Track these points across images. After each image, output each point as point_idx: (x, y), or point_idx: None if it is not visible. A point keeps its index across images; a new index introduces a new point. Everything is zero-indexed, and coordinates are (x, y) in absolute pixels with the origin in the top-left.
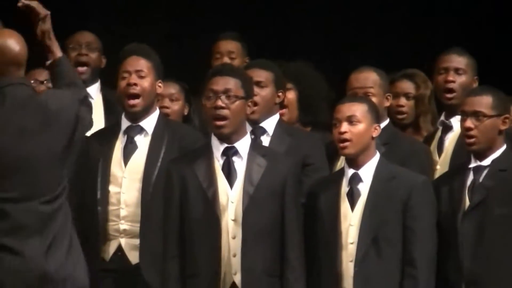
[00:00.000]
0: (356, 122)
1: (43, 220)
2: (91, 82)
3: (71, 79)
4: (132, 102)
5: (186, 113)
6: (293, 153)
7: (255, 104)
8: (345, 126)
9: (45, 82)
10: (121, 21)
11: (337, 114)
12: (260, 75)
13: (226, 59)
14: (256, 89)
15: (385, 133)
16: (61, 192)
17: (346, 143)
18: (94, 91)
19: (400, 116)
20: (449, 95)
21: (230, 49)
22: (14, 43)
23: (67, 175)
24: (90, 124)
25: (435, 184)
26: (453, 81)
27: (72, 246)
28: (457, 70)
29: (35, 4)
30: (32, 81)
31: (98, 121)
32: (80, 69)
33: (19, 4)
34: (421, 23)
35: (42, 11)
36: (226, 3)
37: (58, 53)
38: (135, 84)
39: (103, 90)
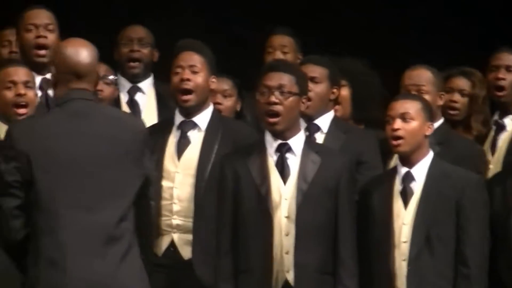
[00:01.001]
0: (410, 120)
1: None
2: (143, 77)
3: None
4: (185, 97)
5: (238, 109)
6: (347, 151)
7: (309, 99)
8: (398, 123)
9: (103, 77)
10: (171, 15)
11: (390, 111)
12: (315, 70)
13: (279, 54)
14: (311, 85)
15: (439, 132)
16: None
17: (400, 141)
18: (147, 85)
19: (452, 112)
20: (499, 93)
21: (283, 44)
22: (76, 53)
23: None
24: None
25: (488, 183)
26: (504, 79)
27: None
28: (508, 68)
29: None
30: None
31: (151, 116)
32: (132, 64)
33: None
34: (476, 23)
35: None
36: None
37: None
38: (188, 80)
39: (156, 84)
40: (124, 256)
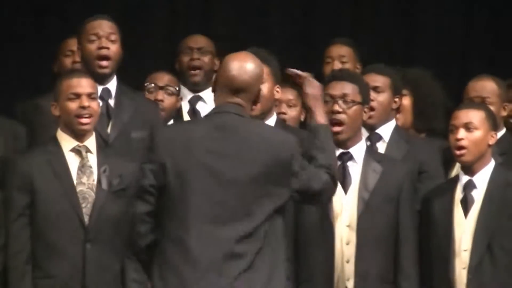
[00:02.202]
0: (473, 129)
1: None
2: (205, 85)
3: (323, 150)
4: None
5: (303, 119)
6: (409, 160)
7: (372, 109)
8: (462, 133)
9: (165, 87)
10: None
11: (454, 121)
12: (377, 80)
13: (337, 64)
14: (373, 94)
15: (502, 143)
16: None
17: (463, 151)
18: (208, 94)
19: None
20: None
21: (341, 54)
22: (233, 66)
23: None
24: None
25: None
26: None
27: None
28: None
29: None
30: (151, 85)
31: None
32: (193, 72)
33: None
34: None
35: (302, 74)
36: (341, 6)
37: (320, 120)
38: None
39: None
40: (239, 274)
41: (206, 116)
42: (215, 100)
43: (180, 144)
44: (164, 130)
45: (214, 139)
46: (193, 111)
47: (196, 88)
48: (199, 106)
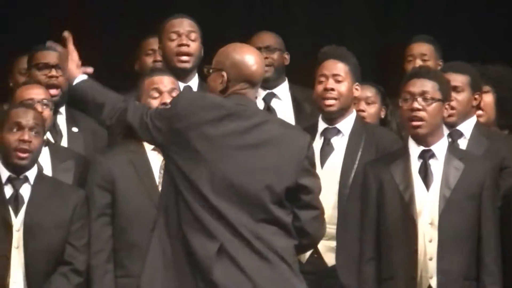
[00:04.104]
0: None
1: None
2: (277, 81)
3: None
4: (328, 102)
5: (383, 116)
6: (491, 156)
7: (452, 108)
8: None
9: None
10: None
11: None
12: (456, 79)
13: (419, 62)
14: (453, 94)
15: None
16: None
17: None
18: (282, 90)
19: None
20: None
21: (422, 52)
22: (251, 61)
23: None
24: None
25: None
26: None
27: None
28: None
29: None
30: None
31: (288, 121)
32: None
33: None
34: None
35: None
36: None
37: None
38: (332, 89)
39: (292, 89)
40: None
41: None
42: (225, 91)
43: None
44: (187, 96)
45: (232, 123)
46: (268, 109)
47: (267, 85)
48: (274, 103)
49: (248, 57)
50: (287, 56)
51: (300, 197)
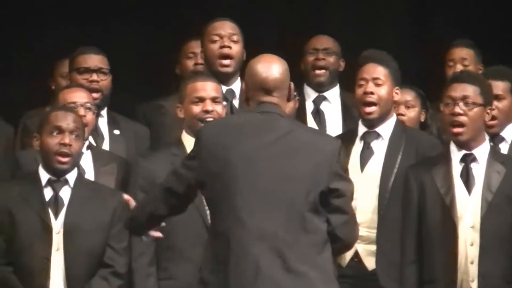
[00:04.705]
0: None
1: None
2: (329, 85)
3: None
4: (368, 109)
5: (422, 120)
6: None
7: (493, 118)
8: None
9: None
10: (358, 22)
11: None
12: (497, 86)
13: (459, 66)
14: (494, 103)
15: None
16: None
17: None
18: (333, 95)
19: None
20: None
21: (463, 56)
22: (263, 68)
23: None
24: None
25: None
26: None
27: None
28: None
29: None
30: None
31: (336, 126)
32: (318, 72)
33: None
34: None
35: None
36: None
37: None
38: (372, 93)
39: (342, 94)
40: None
41: (247, 114)
42: (248, 107)
43: (222, 140)
44: (209, 125)
45: (259, 136)
46: (317, 111)
47: (320, 88)
48: (323, 106)
49: (261, 65)
50: (342, 63)
51: (331, 201)
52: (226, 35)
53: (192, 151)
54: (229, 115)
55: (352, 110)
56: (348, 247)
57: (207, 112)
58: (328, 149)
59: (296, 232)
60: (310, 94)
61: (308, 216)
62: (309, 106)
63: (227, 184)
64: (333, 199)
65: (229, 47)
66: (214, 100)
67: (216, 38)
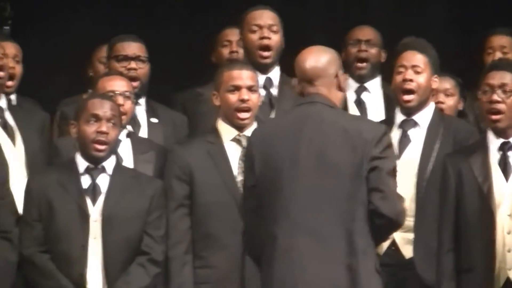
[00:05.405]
0: None
1: None
2: (370, 77)
3: None
4: (406, 97)
5: (461, 108)
6: None
7: None
8: None
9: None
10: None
11: None
12: None
13: (499, 54)
14: None
15: None
16: None
17: None
18: (375, 86)
19: None
20: None
21: (502, 44)
22: (302, 59)
23: None
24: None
25: None
26: None
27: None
28: None
29: None
30: None
31: (378, 116)
32: (360, 64)
33: None
34: None
35: None
36: None
37: None
38: (411, 80)
39: (384, 86)
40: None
41: (292, 109)
42: (299, 94)
43: (265, 140)
44: (256, 129)
45: (296, 129)
46: (359, 102)
47: (361, 80)
48: (364, 96)
49: (301, 57)
50: (383, 54)
51: (369, 180)
52: (266, 26)
53: (245, 161)
54: (272, 118)
55: (394, 102)
56: (395, 223)
57: (243, 101)
58: (370, 136)
59: (342, 225)
60: (352, 85)
61: (352, 208)
62: (351, 96)
63: (273, 185)
64: (372, 176)
65: (269, 38)
66: (250, 88)
67: (256, 28)
